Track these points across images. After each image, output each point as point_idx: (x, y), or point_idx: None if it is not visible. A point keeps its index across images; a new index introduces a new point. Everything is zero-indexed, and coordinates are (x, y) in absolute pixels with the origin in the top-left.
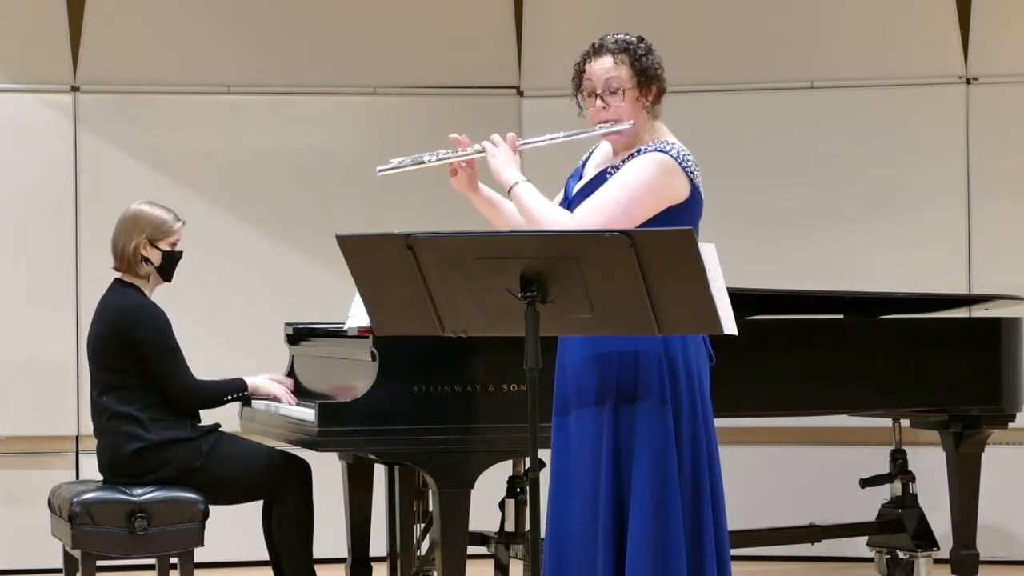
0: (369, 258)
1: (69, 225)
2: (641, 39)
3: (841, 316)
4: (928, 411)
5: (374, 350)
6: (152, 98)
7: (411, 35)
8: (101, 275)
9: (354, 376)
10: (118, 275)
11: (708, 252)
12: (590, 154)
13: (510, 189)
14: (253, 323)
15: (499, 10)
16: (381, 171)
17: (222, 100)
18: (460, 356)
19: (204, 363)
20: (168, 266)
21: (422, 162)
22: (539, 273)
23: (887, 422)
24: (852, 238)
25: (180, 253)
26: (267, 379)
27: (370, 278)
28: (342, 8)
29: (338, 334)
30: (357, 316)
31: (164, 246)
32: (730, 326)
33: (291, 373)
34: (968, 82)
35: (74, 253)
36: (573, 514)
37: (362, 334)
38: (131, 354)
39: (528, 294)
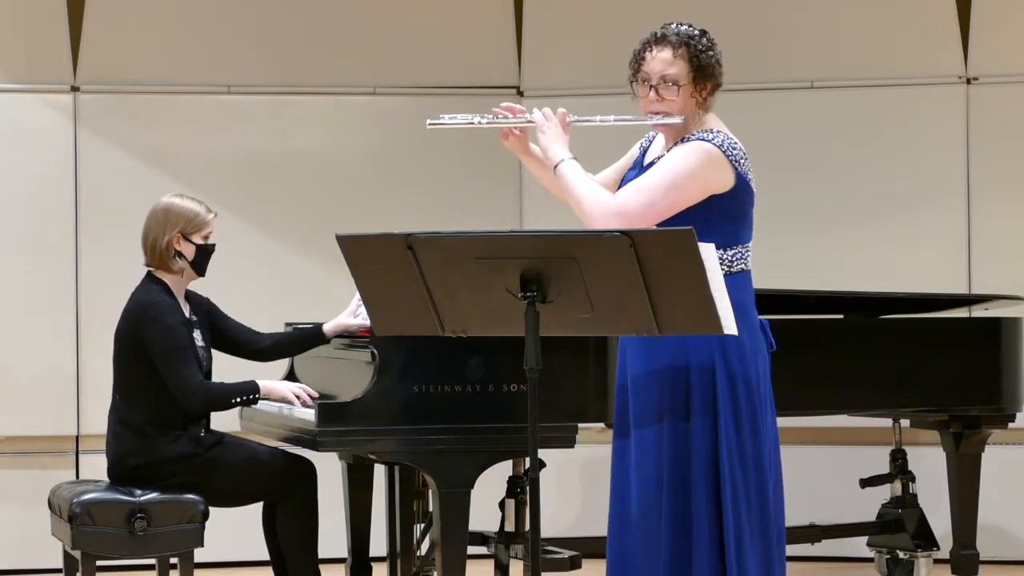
0: (369, 258)
1: (69, 225)
2: (704, 32)
3: (841, 316)
4: (928, 411)
5: (374, 350)
6: (152, 98)
7: (411, 35)
8: (101, 275)
9: (354, 376)
10: (148, 269)
11: (708, 252)
12: (650, 144)
13: (555, 166)
14: (253, 323)
15: (499, 10)
16: (431, 124)
17: (222, 100)
18: (460, 356)
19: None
20: (202, 259)
21: (472, 123)
22: (539, 273)
23: (887, 422)
24: (852, 238)
25: (213, 246)
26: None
27: (370, 278)
28: (342, 8)
29: (338, 334)
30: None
31: (197, 239)
32: (730, 326)
33: (291, 373)
34: (968, 82)
35: (74, 253)
36: (635, 537)
37: (362, 334)
38: (143, 354)
39: (528, 294)
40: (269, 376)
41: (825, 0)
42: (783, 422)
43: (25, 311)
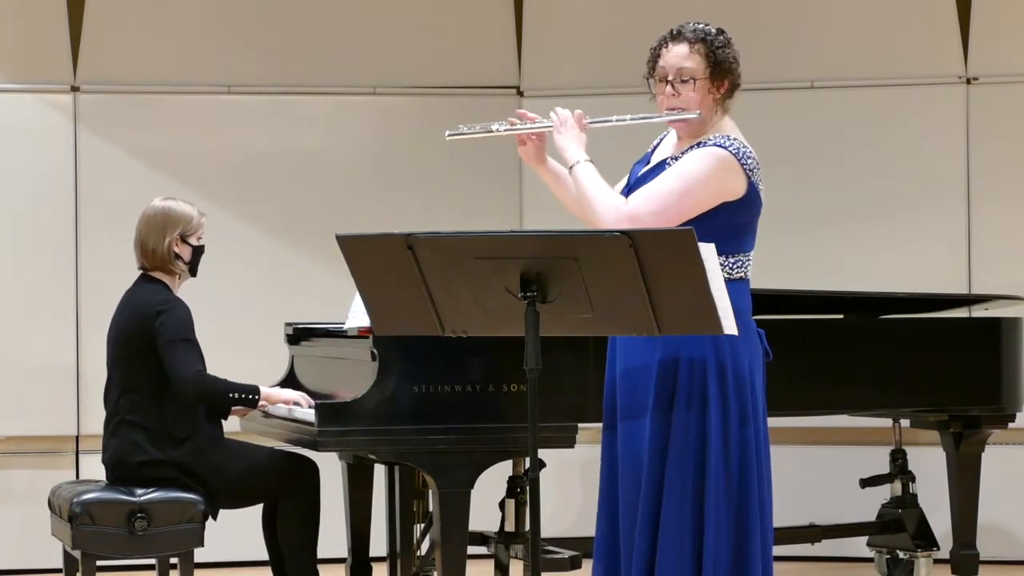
0: (369, 258)
1: (69, 225)
2: (721, 31)
3: (841, 316)
4: (928, 411)
5: (374, 350)
6: (152, 98)
7: (411, 35)
8: (101, 275)
9: (354, 376)
10: (141, 272)
11: (708, 252)
12: (660, 140)
13: (571, 168)
14: (253, 323)
15: (499, 10)
16: (450, 135)
17: (222, 100)
18: (460, 356)
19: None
20: (195, 260)
21: (490, 131)
22: (539, 273)
23: (887, 422)
24: (852, 238)
25: (203, 247)
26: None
27: (370, 278)
28: (342, 8)
29: (338, 334)
30: (357, 316)
31: (193, 241)
32: (730, 326)
33: (291, 373)
34: (968, 82)
35: (74, 253)
36: (623, 528)
37: (362, 334)
38: (151, 352)
39: (528, 294)
40: (268, 376)
41: (825, 0)
42: (784, 422)
43: (25, 311)
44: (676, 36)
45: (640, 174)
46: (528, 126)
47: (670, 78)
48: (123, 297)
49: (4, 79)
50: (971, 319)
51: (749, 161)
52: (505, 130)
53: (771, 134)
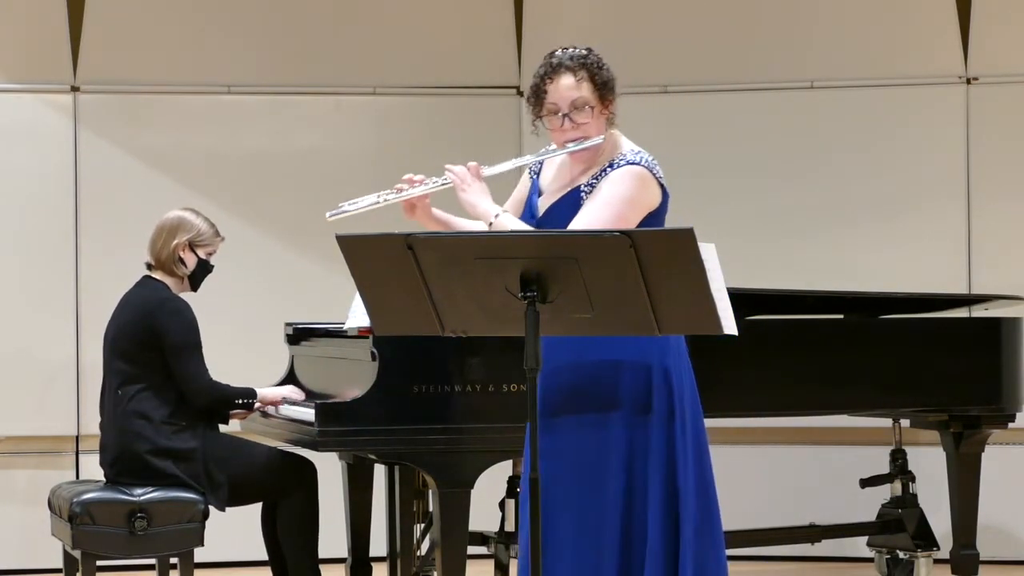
0: (369, 258)
1: (69, 225)
2: (590, 50)
3: (841, 316)
4: (928, 411)
5: (374, 350)
6: (152, 98)
7: (411, 35)
8: (101, 275)
9: (354, 376)
10: (146, 273)
11: (708, 252)
12: (540, 166)
13: (491, 223)
14: (253, 323)
15: (499, 10)
16: (331, 216)
17: (222, 100)
18: (460, 356)
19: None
20: (200, 273)
21: (378, 202)
22: (539, 273)
23: (887, 422)
24: (852, 238)
25: (212, 266)
26: (273, 389)
27: (370, 278)
28: (342, 8)
29: (338, 334)
30: (357, 316)
31: (201, 253)
32: (730, 326)
33: (291, 373)
34: (968, 82)
35: (74, 253)
36: (569, 515)
37: (362, 334)
38: (155, 346)
39: (528, 294)
40: (268, 376)
41: (825, 0)
42: (784, 422)
43: (25, 311)
44: (556, 68)
45: (547, 207)
46: (422, 188)
47: (564, 111)
48: (122, 299)
49: (4, 79)
50: (971, 319)
51: (657, 169)
52: (395, 198)
53: (771, 134)
